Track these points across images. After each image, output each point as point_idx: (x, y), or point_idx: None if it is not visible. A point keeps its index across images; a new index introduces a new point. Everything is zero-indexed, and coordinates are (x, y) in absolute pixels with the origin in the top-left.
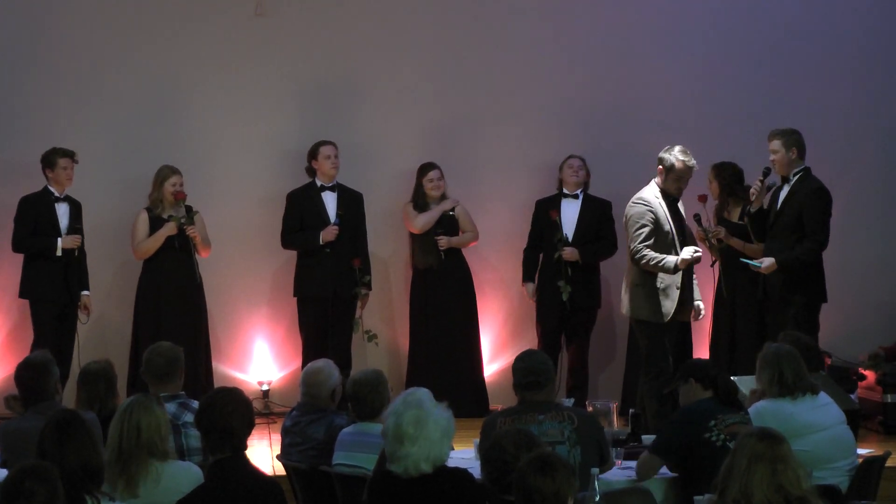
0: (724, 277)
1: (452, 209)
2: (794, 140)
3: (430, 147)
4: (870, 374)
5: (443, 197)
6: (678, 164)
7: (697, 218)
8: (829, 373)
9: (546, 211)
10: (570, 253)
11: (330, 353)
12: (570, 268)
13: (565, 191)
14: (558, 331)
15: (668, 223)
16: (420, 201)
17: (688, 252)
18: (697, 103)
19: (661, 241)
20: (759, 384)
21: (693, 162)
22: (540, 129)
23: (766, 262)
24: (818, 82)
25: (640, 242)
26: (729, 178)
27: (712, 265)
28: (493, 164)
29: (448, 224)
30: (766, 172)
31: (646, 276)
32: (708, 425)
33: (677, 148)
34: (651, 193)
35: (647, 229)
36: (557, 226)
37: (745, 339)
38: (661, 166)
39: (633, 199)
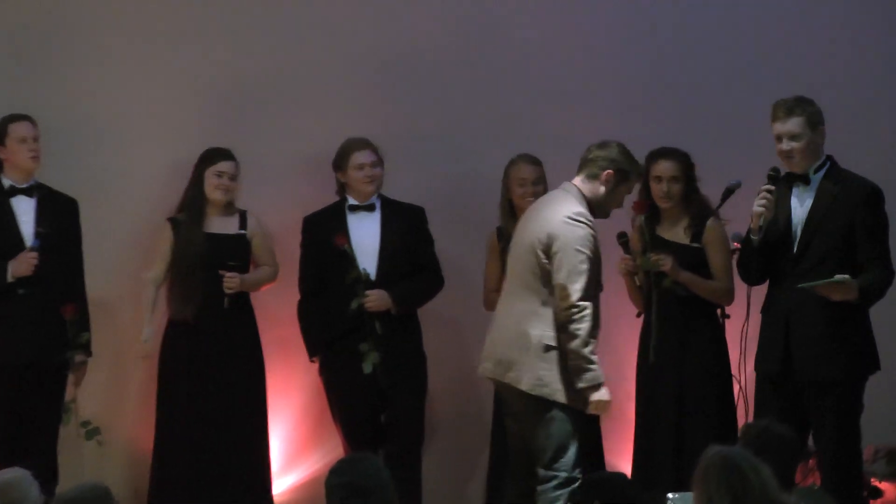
0: (658, 334)
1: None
2: (818, 113)
3: (195, 129)
4: (887, 488)
5: (231, 205)
6: (636, 173)
7: (624, 240)
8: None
9: (328, 236)
10: (376, 300)
11: (25, 456)
12: (380, 322)
13: (352, 200)
14: (372, 422)
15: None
16: (195, 208)
17: (604, 400)
18: (601, 66)
19: (592, 283)
20: None
21: None
22: (361, 104)
23: (847, 287)
24: (807, 30)
25: (584, 294)
26: (692, 172)
27: (639, 315)
28: (291, 159)
29: (240, 251)
30: (777, 175)
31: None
32: None
33: (620, 145)
34: (585, 208)
35: (589, 266)
36: (350, 258)
37: (698, 431)
38: (609, 171)
39: (572, 214)
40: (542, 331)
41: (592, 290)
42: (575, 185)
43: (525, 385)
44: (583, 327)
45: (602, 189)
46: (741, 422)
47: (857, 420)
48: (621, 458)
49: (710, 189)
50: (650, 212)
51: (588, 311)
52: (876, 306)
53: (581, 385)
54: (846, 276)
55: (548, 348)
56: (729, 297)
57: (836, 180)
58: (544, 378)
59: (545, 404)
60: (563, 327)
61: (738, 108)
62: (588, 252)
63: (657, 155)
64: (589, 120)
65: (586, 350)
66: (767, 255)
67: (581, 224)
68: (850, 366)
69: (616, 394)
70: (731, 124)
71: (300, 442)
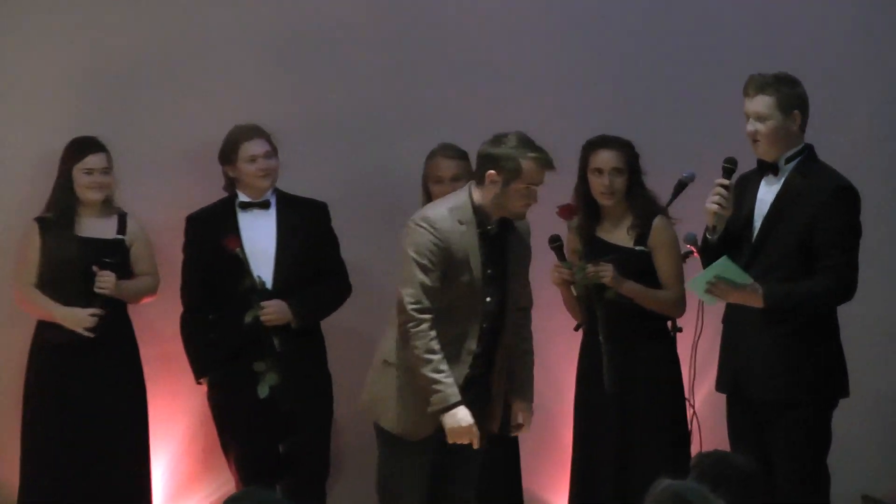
0: (609, 357)
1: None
2: (797, 96)
3: (66, 117)
4: None
5: (108, 204)
6: (528, 165)
7: (556, 245)
8: None
9: (216, 238)
10: (274, 312)
11: None
12: (278, 337)
13: (244, 197)
14: (270, 452)
15: (473, 265)
16: (65, 208)
17: (459, 425)
18: (537, 45)
19: (459, 297)
20: None
21: (550, 158)
22: (256, 87)
23: (747, 293)
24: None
25: (418, 306)
26: (637, 164)
27: (577, 328)
28: (174, 151)
29: (118, 252)
30: (732, 168)
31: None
32: None
33: (515, 136)
34: (451, 217)
35: (425, 276)
36: (242, 264)
37: (646, 462)
38: (492, 170)
39: (417, 217)
40: (387, 344)
41: (452, 303)
42: (468, 188)
43: (361, 401)
44: (419, 344)
45: (491, 191)
46: (695, 451)
47: (817, 453)
48: (556, 493)
49: (659, 184)
50: (588, 211)
51: (424, 326)
52: (858, 324)
53: (430, 409)
54: (729, 266)
55: (385, 364)
56: (680, 307)
57: (806, 173)
58: (375, 395)
59: (377, 427)
60: (404, 343)
61: (693, 91)
62: (424, 260)
63: (596, 144)
64: (524, 106)
65: (427, 369)
66: (730, 253)
67: (420, 229)
68: (804, 387)
69: (551, 418)
70: (685, 109)
71: (186, 475)
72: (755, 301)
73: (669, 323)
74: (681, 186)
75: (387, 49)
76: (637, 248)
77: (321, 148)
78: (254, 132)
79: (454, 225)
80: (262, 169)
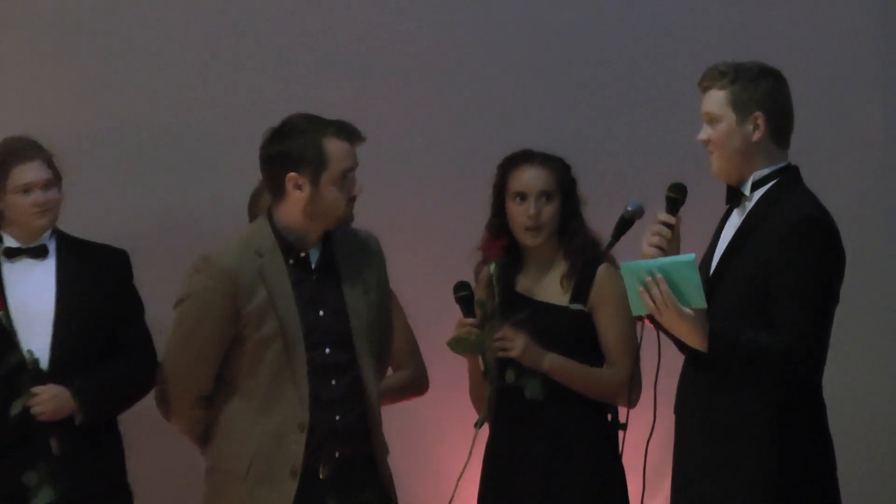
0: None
1: None
2: (763, 93)
3: None
4: None
5: None
6: (334, 144)
7: (464, 295)
8: None
9: None
10: (50, 401)
11: None
12: (57, 437)
13: (11, 241)
14: None
15: (283, 309)
16: None
17: None
18: (435, 30)
19: (263, 358)
20: None
21: (353, 126)
22: (30, 83)
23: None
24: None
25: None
26: (573, 189)
27: (479, 425)
28: None
29: None
30: (678, 198)
31: None
32: None
33: (297, 119)
34: (245, 250)
35: (185, 338)
36: (7, 333)
37: None
38: (290, 172)
39: (197, 257)
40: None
41: (256, 367)
42: (267, 211)
43: None
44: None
45: (299, 200)
46: None
47: None
48: None
49: (599, 219)
50: (507, 256)
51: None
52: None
53: None
54: (689, 271)
55: (211, 471)
56: (625, 392)
57: (775, 200)
58: None
59: None
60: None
61: (654, 97)
62: (192, 322)
63: (517, 160)
64: (417, 110)
65: None
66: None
67: (195, 275)
68: (751, 494)
69: None
70: (638, 119)
71: None
72: (697, 338)
73: (610, 415)
74: (624, 224)
75: (210, 33)
76: (573, 305)
77: (118, 173)
78: (30, 151)
79: (249, 259)
80: (39, 203)
